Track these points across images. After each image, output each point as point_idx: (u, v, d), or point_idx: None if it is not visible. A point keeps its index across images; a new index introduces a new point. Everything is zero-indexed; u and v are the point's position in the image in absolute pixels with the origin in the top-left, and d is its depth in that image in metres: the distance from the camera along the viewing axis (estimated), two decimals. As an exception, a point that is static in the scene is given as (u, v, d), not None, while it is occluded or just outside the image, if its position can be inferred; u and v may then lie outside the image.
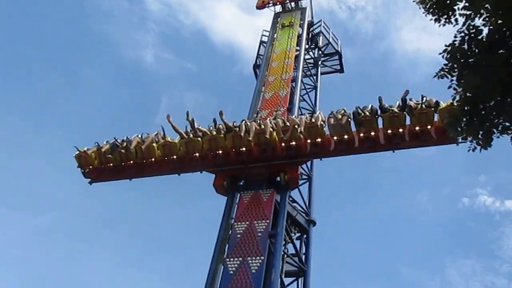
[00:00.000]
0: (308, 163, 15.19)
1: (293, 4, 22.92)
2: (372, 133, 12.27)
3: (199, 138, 13.04)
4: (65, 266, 36.87)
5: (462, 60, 6.07)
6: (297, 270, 12.95)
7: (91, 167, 13.86)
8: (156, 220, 42.28)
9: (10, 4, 43.00)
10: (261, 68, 19.09)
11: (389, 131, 12.17)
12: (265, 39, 21.83)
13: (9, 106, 40.48)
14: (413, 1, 6.67)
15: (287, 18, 21.89)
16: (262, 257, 11.11)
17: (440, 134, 12.03)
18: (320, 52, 21.82)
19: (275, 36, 20.80)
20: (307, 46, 20.93)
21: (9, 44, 42.61)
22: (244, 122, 13.15)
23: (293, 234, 13.40)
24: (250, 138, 12.61)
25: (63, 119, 42.89)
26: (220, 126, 12.86)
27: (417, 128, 12.00)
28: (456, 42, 6.08)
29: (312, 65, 21.17)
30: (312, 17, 23.31)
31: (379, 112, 12.23)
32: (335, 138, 12.46)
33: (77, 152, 13.74)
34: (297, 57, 18.94)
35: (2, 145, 39.78)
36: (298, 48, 19.68)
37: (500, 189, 41.39)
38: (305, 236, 13.69)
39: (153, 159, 13.49)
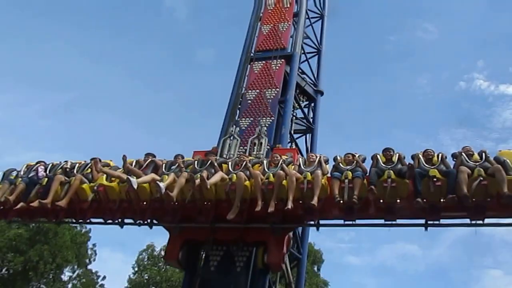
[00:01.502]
0: (318, 36, 16.23)
1: None
2: (398, 201, 8.08)
3: (146, 184, 8.99)
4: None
5: None
6: (305, 128, 14.26)
7: (6, 205, 10.07)
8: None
9: None
10: None
11: (424, 202, 7.96)
12: None
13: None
14: None
15: None
16: (273, 118, 11.77)
17: (501, 207, 7.83)
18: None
19: None
20: None
21: None
22: (209, 161, 9.06)
23: (301, 102, 14.42)
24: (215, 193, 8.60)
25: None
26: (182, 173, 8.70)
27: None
28: None
29: None
30: None
31: (406, 171, 7.93)
32: (341, 201, 8.31)
33: None
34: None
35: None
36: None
37: (496, 73, 46.06)
38: (313, 104, 14.70)
39: (84, 204, 9.60)
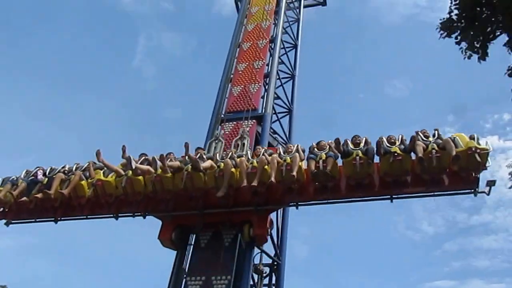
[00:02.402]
0: (289, 96, 16.14)
1: None
2: (366, 181, 9.29)
3: (140, 177, 9.93)
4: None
5: None
6: None
7: (5, 207, 10.80)
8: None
9: None
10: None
11: (388, 178, 9.19)
12: None
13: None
14: None
15: None
16: None
17: (454, 181, 9.17)
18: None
19: None
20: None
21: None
22: (199, 154, 10.11)
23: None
24: (205, 179, 9.63)
25: (31, 60, 40.30)
26: (166, 167, 9.67)
27: (424, 176, 9.02)
28: None
29: None
30: None
31: (374, 151, 9.17)
32: (316, 183, 9.46)
33: None
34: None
35: None
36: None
37: (467, 127, 45.69)
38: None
39: (82, 200, 10.43)
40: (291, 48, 18.06)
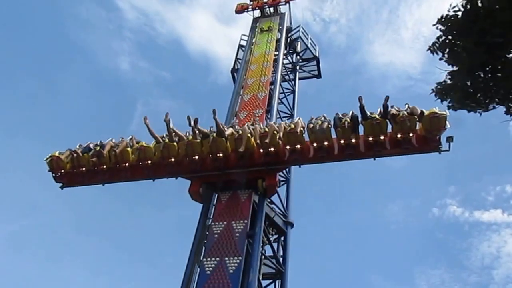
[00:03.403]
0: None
1: (271, 9, 23.01)
2: (353, 140, 11.89)
3: (175, 143, 12.56)
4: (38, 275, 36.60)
5: (454, 31, 6.45)
6: (274, 272, 12.90)
7: (62, 171, 13.30)
8: (132, 226, 42.16)
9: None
10: (240, 71, 18.99)
11: (370, 139, 11.80)
12: (243, 43, 21.71)
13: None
14: None
15: (265, 23, 21.90)
16: (240, 257, 11.01)
17: (422, 142, 11.76)
18: (298, 57, 21.83)
19: (254, 40, 20.79)
20: (285, 51, 20.89)
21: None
22: (221, 126, 12.77)
23: (270, 236, 13.37)
24: (228, 144, 12.23)
25: (39, 125, 42.64)
26: (197, 131, 12.36)
27: (399, 135, 11.64)
28: (450, 13, 6.37)
29: (290, 69, 21.15)
30: (290, 23, 23.30)
31: (360, 118, 11.85)
32: (314, 144, 12.06)
33: (49, 156, 13.16)
34: (275, 61, 18.88)
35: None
36: (276, 52, 19.59)
37: (469, 199, 42.45)
38: (282, 238, 13.72)
39: (127, 164, 12.98)
40: (287, 117, 18.17)
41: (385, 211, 42.32)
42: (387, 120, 11.68)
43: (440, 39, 6.57)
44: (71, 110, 43.32)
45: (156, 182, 13.10)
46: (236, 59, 21.62)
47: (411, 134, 11.65)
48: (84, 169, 13.17)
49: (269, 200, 13.41)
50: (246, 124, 12.90)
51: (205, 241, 12.00)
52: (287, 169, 15.08)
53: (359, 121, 11.84)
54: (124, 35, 48.08)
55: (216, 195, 12.87)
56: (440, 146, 11.59)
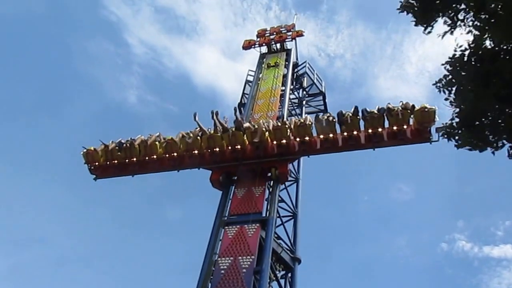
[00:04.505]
0: (293, 199, 15.94)
1: (278, 45, 23.30)
2: (355, 132, 13.65)
3: (198, 137, 14.31)
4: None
5: (462, 73, 6.48)
6: None
7: (97, 164, 15.01)
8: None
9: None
10: (247, 105, 19.52)
11: (370, 131, 13.55)
12: (250, 78, 22.10)
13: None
14: (397, 9, 7.15)
15: (272, 59, 22.19)
16: None
17: (415, 134, 13.51)
18: (304, 92, 22.34)
19: (260, 75, 21.20)
20: (292, 86, 21.52)
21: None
22: (240, 121, 14.54)
23: (278, 272, 13.49)
24: (245, 137, 13.98)
25: (46, 158, 42.60)
26: (218, 126, 14.14)
27: (394, 128, 13.40)
28: (457, 54, 6.50)
29: (297, 104, 21.86)
30: (297, 59, 23.68)
31: (360, 114, 13.63)
32: (321, 137, 13.81)
33: (85, 149, 14.89)
34: (282, 96, 19.29)
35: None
36: (283, 87, 20.06)
37: (478, 234, 41.95)
38: (290, 274, 13.85)
39: (154, 156, 14.70)
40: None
41: (392, 245, 42.77)
42: (384, 115, 13.49)
43: (447, 78, 6.61)
44: (77, 142, 44.12)
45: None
46: (243, 93, 21.95)
47: (405, 127, 13.43)
48: (116, 161, 14.88)
49: (276, 235, 13.63)
50: (261, 121, 14.68)
51: (211, 277, 12.00)
52: (294, 204, 15.77)
53: (360, 116, 13.63)
54: (132, 69, 49.16)
55: (223, 230, 13.17)
56: (430, 137, 13.35)
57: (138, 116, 47.98)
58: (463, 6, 6.58)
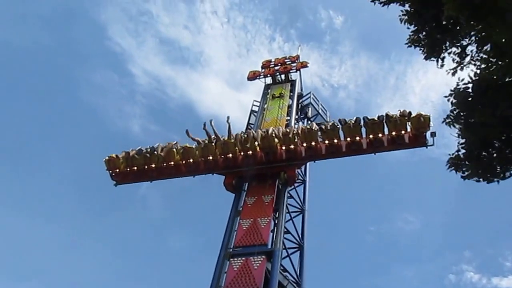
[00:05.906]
0: (299, 230, 16.10)
1: (283, 76, 23.68)
2: (357, 138, 14.88)
3: (213, 144, 15.54)
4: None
5: (467, 105, 6.59)
6: None
7: (117, 170, 16.15)
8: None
9: (3, 73, 45.07)
10: None
11: (371, 136, 14.78)
12: (255, 108, 22.50)
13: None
14: (406, 43, 7.71)
15: (277, 90, 22.55)
16: None
17: (412, 139, 14.76)
18: (309, 122, 22.34)
19: (265, 106, 21.60)
20: (297, 116, 21.87)
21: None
22: (250, 130, 15.78)
23: None
24: (257, 144, 15.20)
25: (51, 188, 44.45)
26: (232, 131, 15.43)
27: (393, 133, 14.66)
28: (460, 86, 6.71)
29: None
30: (301, 89, 24.08)
31: (362, 122, 14.90)
32: (326, 142, 15.04)
33: (107, 157, 16.07)
34: (287, 126, 18.95)
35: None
36: (288, 117, 20.38)
37: (486, 265, 41.57)
38: None
39: (172, 163, 15.86)
40: (300, 184, 18.09)
41: (399, 277, 42.43)
42: (383, 122, 14.76)
43: (455, 112, 6.74)
44: (80, 172, 44.05)
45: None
46: (248, 123, 22.07)
47: (403, 132, 14.70)
48: (136, 168, 16.03)
49: (282, 268, 13.67)
50: (271, 128, 15.94)
51: None
52: (300, 235, 15.92)
53: (361, 124, 14.90)
54: (136, 99, 49.86)
55: (228, 262, 13.24)
56: (426, 142, 14.60)
57: (142, 145, 48.74)
58: (469, 40, 6.89)
